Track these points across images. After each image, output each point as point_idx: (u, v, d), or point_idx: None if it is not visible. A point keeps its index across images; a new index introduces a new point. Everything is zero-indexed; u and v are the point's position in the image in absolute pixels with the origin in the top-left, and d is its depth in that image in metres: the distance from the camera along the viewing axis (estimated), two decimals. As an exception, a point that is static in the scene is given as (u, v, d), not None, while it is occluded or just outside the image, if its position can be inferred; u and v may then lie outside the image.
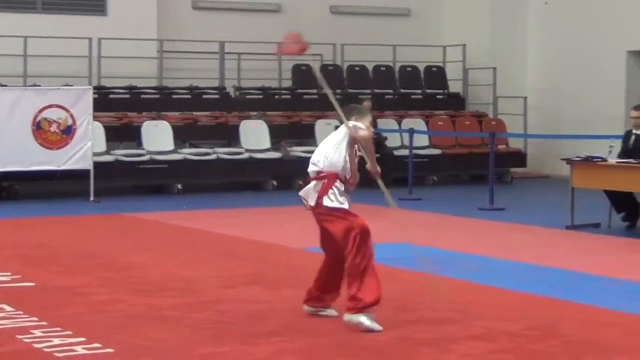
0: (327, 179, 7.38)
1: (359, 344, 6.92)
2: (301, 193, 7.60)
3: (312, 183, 7.49)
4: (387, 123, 19.64)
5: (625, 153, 13.05)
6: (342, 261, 7.35)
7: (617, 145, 13.31)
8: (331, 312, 7.66)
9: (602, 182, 13.13)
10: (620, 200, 13.14)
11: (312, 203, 7.46)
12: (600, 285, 9.38)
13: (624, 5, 19.94)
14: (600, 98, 20.25)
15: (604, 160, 13.10)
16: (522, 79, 21.97)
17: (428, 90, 21.63)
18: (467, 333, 7.27)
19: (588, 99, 20.46)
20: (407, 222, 13.59)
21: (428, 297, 8.28)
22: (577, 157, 13.71)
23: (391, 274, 8.88)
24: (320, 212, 7.45)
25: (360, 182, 7.62)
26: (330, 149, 7.48)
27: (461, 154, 20.07)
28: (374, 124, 18.61)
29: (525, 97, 21.28)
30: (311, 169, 7.54)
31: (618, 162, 12.87)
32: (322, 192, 7.35)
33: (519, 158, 20.65)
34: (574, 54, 20.90)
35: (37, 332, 7.16)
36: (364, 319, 7.14)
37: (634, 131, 13.18)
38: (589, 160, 13.31)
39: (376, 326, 7.14)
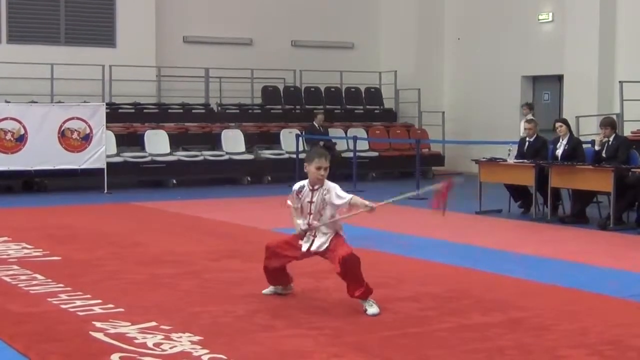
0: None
1: (314, 304, 6.92)
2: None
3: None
4: (336, 132, 19.67)
5: (520, 155, 13.11)
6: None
7: (514, 149, 13.38)
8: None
9: (503, 177, 13.21)
10: (517, 192, 13.23)
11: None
12: (501, 257, 9.44)
13: (518, 41, 20.07)
14: (501, 112, 20.36)
15: (504, 160, 13.20)
16: (441, 97, 22.02)
17: (368, 107, 21.62)
18: (399, 295, 7.28)
19: (492, 113, 20.58)
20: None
21: (367, 267, 8.27)
22: (484, 158, 13.83)
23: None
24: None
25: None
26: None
27: (394, 156, 20.10)
28: (325, 132, 18.81)
29: (443, 112, 21.35)
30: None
31: (515, 162, 12.94)
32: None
33: (439, 159, 20.73)
34: (480, 77, 21.02)
35: (63, 296, 7.10)
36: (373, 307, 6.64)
37: (527, 138, 13.26)
38: (492, 161, 13.42)
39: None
